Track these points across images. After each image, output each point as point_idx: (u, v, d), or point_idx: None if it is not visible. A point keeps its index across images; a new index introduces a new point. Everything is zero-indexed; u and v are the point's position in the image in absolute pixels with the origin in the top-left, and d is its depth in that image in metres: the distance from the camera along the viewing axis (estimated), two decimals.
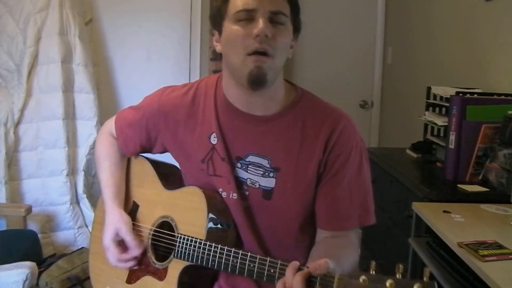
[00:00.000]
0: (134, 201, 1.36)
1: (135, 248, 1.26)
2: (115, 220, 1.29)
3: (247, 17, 1.09)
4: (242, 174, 1.21)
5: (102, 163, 1.38)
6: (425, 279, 0.82)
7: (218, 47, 1.19)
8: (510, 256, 1.28)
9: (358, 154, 1.20)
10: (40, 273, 2.07)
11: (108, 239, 1.27)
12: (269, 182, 1.19)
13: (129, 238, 1.26)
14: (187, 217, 1.22)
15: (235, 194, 1.20)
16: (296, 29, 1.17)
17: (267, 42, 1.08)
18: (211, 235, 1.16)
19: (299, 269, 0.95)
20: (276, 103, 1.20)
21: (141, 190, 1.36)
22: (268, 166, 1.19)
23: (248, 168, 1.20)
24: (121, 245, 1.28)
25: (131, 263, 1.27)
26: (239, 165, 1.21)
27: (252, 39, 1.08)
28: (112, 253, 1.27)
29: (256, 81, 1.11)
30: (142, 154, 1.40)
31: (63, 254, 2.39)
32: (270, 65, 1.10)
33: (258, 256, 1.06)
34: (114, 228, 1.28)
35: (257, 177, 1.20)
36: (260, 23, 1.08)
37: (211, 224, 1.17)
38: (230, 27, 1.12)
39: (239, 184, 1.21)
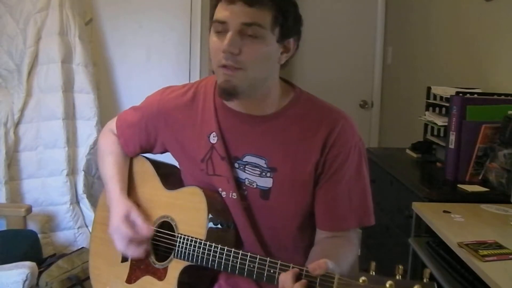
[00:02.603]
0: (134, 201, 1.35)
1: (147, 229, 1.22)
2: (125, 204, 1.27)
3: (221, 29, 1.08)
4: (240, 174, 1.21)
5: (106, 159, 1.38)
6: (425, 280, 0.82)
7: None
8: (510, 256, 1.28)
9: (357, 154, 1.20)
10: (40, 273, 2.06)
11: (117, 220, 1.23)
12: (266, 182, 1.19)
13: (140, 219, 1.23)
14: (187, 217, 1.22)
15: (234, 194, 1.20)
16: (286, 35, 1.12)
17: (232, 58, 1.07)
18: (211, 235, 1.16)
19: (299, 275, 0.95)
20: (272, 103, 1.20)
21: (141, 190, 1.36)
22: (265, 166, 1.19)
23: (246, 168, 1.21)
24: (131, 226, 1.23)
25: (143, 247, 1.22)
26: (236, 165, 1.21)
27: (221, 53, 1.07)
28: (121, 232, 1.22)
29: (225, 93, 1.11)
30: (143, 154, 1.40)
31: (63, 254, 2.39)
32: (241, 76, 1.08)
33: (258, 256, 1.06)
34: (125, 211, 1.25)
35: (255, 177, 1.20)
36: (226, 39, 1.06)
37: (211, 224, 1.17)
38: (211, 36, 1.12)
39: (238, 184, 1.21)
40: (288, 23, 1.11)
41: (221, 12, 1.08)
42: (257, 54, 1.09)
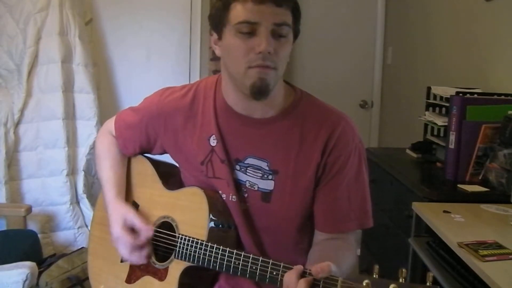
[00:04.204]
0: (134, 201, 1.36)
1: (147, 230, 1.22)
2: (120, 210, 1.27)
3: (249, 29, 1.07)
4: (241, 176, 1.21)
5: (103, 161, 1.38)
6: (428, 283, 0.82)
7: (217, 51, 1.18)
8: (510, 256, 1.28)
9: (357, 156, 1.20)
10: (40, 273, 2.06)
11: (117, 229, 1.24)
12: (268, 185, 1.19)
13: (137, 221, 1.23)
14: (188, 217, 1.22)
15: (234, 196, 1.20)
16: (296, 35, 1.15)
17: (269, 58, 1.07)
18: (212, 235, 1.16)
19: (303, 273, 0.95)
20: (275, 105, 1.19)
21: (141, 190, 1.36)
22: (267, 168, 1.19)
23: (247, 171, 1.20)
24: (131, 233, 1.24)
25: (146, 250, 1.23)
26: (238, 167, 1.21)
27: (254, 54, 1.07)
28: (125, 241, 1.22)
29: (260, 92, 1.10)
30: (142, 154, 1.40)
31: (63, 254, 2.38)
32: (274, 75, 1.10)
33: (260, 258, 1.06)
34: (121, 217, 1.25)
35: (256, 179, 1.20)
36: (263, 40, 1.06)
37: (212, 225, 1.17)
38: (231, 39, 1.10)
39: (238, 186, 1.21)
40: (299, 23, 1.14)
41: (248, 13, 1.06)
42: (286, 53, 1.12)
